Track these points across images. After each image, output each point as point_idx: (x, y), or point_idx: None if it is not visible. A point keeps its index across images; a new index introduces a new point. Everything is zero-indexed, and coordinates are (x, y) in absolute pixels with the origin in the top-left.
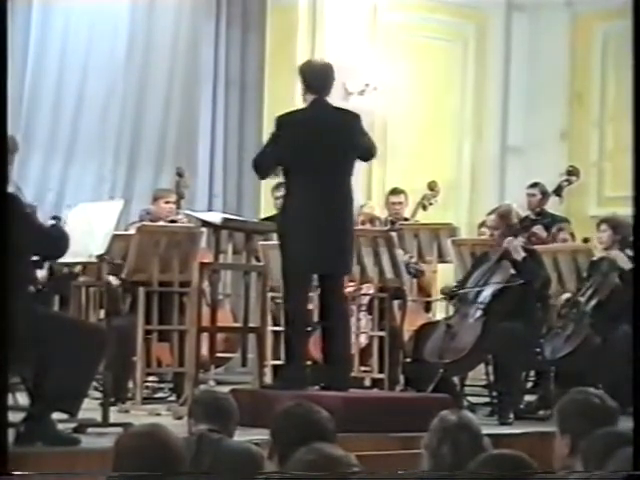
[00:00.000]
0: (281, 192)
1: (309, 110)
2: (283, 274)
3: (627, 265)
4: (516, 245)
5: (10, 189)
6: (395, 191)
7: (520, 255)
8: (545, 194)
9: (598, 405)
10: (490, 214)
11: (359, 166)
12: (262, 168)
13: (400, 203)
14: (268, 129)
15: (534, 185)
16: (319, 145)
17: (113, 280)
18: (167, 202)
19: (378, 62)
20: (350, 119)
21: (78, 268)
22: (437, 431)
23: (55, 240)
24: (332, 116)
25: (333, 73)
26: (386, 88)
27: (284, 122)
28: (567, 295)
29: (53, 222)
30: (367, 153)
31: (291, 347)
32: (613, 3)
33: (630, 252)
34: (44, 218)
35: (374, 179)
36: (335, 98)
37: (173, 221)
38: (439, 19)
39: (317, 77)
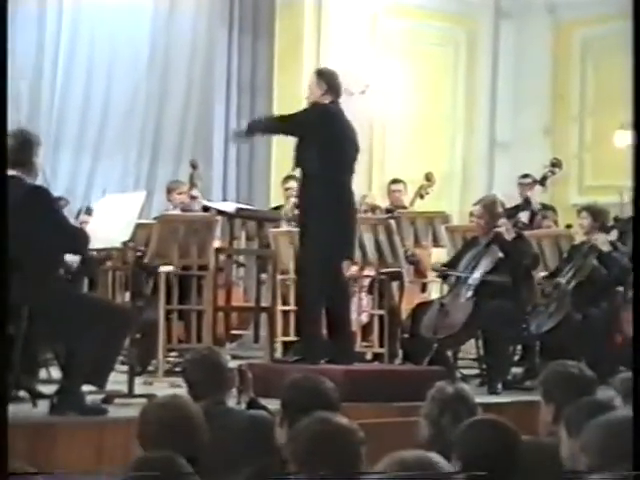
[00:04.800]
0: (289, 184)
1: (336, 108)
2: (313, 258)
3: (606, 247)
4: (509, 227)
5: (39, 182)
6: (395, 181)
7: (511, 235)
8: (531, 184)
9: (578, 375)
10: (476, 204)
11: (361, 159)
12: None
13: (400, 191)
14: None
15: (525, 176)
16: (347, 141)
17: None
18: (180, 193)
19: (378, 65)
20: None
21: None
22: (437, 402)
23: (75, 238)
24: (346, 117)
25: None
26: (385, 88)
27: (326, 114)
28: (544, 273)
29: (77, 222)
30: None
31: (313, 324)
32: (591, 11)
33: (609, 237)
34: (74, 209)
35: (374, 171)
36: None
37: (189, 210)
38: (433, 25)
39: (338, 81)
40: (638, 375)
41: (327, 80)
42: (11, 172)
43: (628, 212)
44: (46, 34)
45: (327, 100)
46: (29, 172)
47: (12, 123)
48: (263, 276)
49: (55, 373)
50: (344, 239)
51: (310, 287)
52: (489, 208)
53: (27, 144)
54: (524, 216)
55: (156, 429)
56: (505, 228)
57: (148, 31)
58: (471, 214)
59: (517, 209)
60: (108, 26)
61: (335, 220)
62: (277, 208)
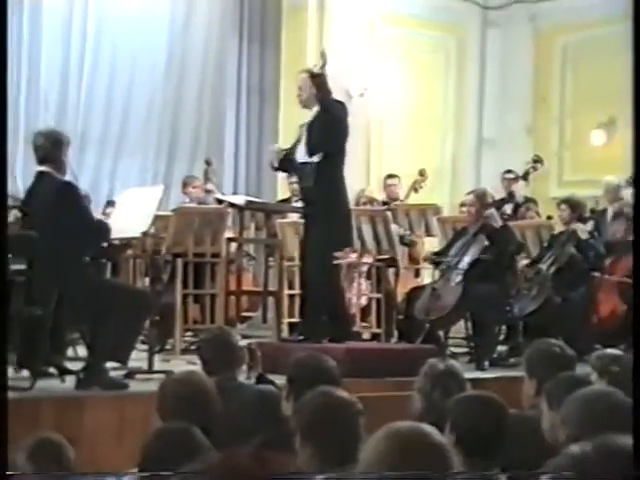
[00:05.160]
0: (295, 178)
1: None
2: (329, 247)
3: (584, 235)
4: (495, 215)
5: (68, 178)
6: (391, 175)
7: (498, 223)
8: (515, 179)
9: (559, 353)
10: (469, 194)
11: (360, 156)
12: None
13: (395, 185)
14: (283, 129)
15: (509, 171)
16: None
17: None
18: (194, 187)
19: (375, 69)
20: None
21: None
22: (429, 377)
23: (97, 232)
24: None
25: None
26: (382, 91)
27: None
28: (527, 261)
29: (100, 217)
30: None
31: (316, 306)
32: (570, 19)
33: (586, 227)
34: (97, 202)
35: (372, 167)
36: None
37: (203, 203)
38: (425, 34)
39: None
40: (637, 377)
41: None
42: (42, 168)
43: (603, 204)
44: (71, 43)
45: (333, 98)
46: (59, 169)
47: (43, 124)
48: (271, 263)
49: (81, 351)
50: (346, 230)
51: (313, 273)
52: (480, 198)
53: (58, 143)
54: (508, 208)
55: (173, 402)
56: (492, 216)
57: (165, 40)
58: (462, 204)
59: (502, 201)
60: (129, 36)
61: (338, 212)
62: (283, 201)
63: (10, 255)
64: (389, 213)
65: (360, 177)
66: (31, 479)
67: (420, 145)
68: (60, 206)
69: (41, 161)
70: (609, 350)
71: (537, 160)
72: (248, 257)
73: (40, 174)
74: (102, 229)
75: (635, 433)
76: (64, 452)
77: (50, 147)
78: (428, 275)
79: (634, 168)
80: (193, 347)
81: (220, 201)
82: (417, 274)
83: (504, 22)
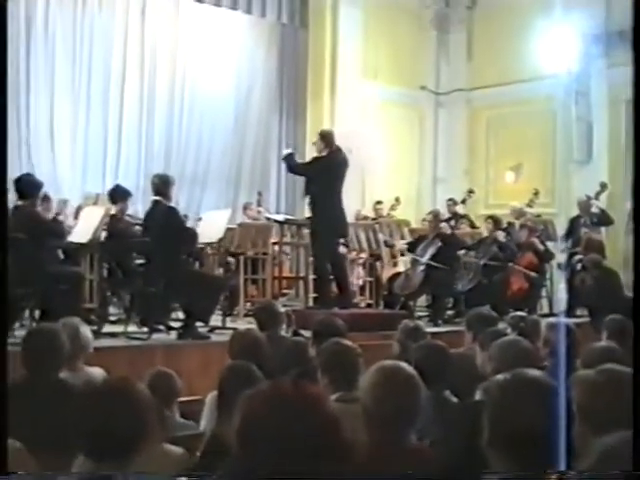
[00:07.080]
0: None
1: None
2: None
3: (502, 239)
4: (446, 227)
5: (172, 204)
6: (378, 202)
7: (448, 232)
8: (455, 203)
9: (486, 315)
10: (428, 214)
11: (357, 185)
12: None
13: (381, 208)
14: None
15: (450, 199)
16: (339, 173)
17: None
18: (251, 209)
19: (368, 133)
20: None
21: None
22: (404, 331)
23: (189, 239)
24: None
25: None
26: (374, 147)
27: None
28: (464, 250)
29: (191, 227)
30: None
31: (325, 286)
32: (492, 101)
33: (503, 233)
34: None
35: (366, 194)
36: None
37: (257, 219)
38: (398, 112)
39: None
40: (637, 378)
41: (325, 139)
42: (156, 198)
43: (510, 219)
44: (174, 112)
45: (325, 152)
46: (167, 199)
47: (156, 168)
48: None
49: (180, 315)
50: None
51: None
52: (435, 216)
53: (167, 182)
54: (453, 222)
55: (239, 348)
56: (444, 228)
57: (233, 111)
58: (424, 220)
59: (450, 218)
60: (210, 107)
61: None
62: (309, 218)
63: (135, 254)
64: (377, 225)
65: (357, 202)
66: (31, 478)
67: (396, 181)
68: (167, 222)
69: (156, 193)
70: (518, 313)
71: (471, 191)
72: (287, 254)
73: (155, 202)
74: (192, 238)
75: (635, 433)
76: (173, 380)
77: (161, 185)
78: (402, 265)
79: (634, 170)
80: (251, 313)
81: (268, 218)
82: (395, 265)
83: (449, 103)
